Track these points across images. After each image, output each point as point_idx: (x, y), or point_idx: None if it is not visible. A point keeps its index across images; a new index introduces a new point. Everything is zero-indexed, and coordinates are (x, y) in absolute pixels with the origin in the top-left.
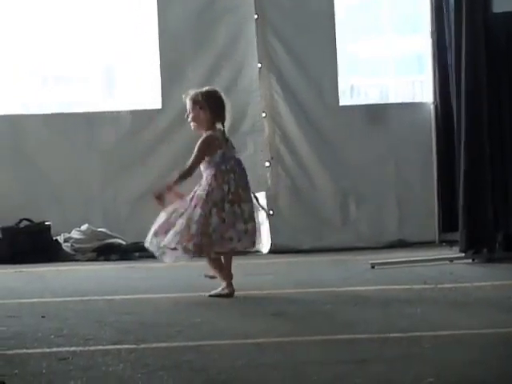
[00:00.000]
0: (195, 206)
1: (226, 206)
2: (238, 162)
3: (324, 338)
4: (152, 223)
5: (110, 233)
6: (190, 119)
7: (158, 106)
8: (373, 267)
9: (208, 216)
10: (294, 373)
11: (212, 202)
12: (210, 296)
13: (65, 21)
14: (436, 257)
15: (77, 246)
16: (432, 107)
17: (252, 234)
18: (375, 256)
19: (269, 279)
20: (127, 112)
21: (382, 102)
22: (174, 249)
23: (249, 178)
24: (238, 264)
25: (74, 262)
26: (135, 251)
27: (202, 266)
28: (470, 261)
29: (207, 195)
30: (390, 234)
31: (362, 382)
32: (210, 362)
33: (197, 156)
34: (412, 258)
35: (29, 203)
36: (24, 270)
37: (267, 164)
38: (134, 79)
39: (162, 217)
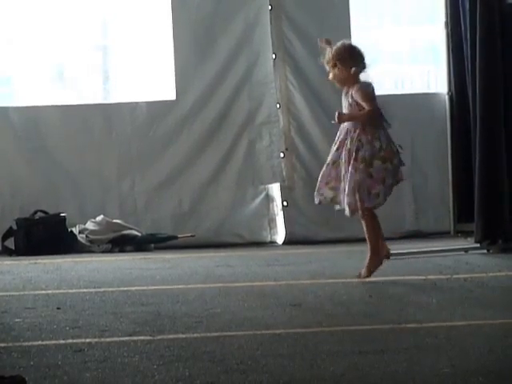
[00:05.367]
0: (346, 163)
1: (376, 162)
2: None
3: (341, 328)
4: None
5: (125, 224)
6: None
7: (172, 97)
8: (388, 258)
9: (354, 173)
10: (312, 363)
11: (361, 158)
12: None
13: (80, 12)
14: (451, 247)
15: (92, 237)
16: (447, 98)
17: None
18: (391, 246)
19: (285, 270)
20: (143, 103)
21: (397, 93)
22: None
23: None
24: (253, 255)
25: (89, 254)
26: (150, 242)
27: (219, 256)
28: (485, 251)
29: (356, 151)
30: (406, 225)
31: (378, 372)
32: (230, 353)
33: (374, 104)
34: (427, 249)
35: (45, 194)
36: (39, 261)
37: (282, 155)
38: (148, 70)
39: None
